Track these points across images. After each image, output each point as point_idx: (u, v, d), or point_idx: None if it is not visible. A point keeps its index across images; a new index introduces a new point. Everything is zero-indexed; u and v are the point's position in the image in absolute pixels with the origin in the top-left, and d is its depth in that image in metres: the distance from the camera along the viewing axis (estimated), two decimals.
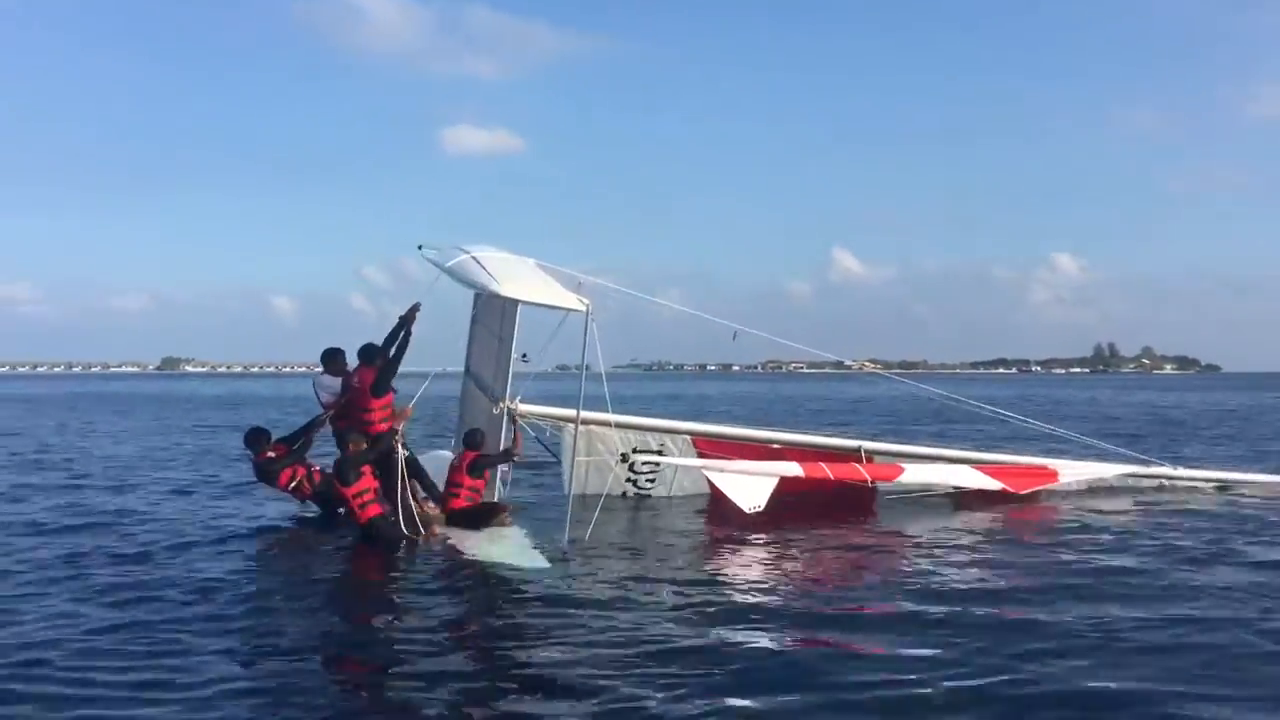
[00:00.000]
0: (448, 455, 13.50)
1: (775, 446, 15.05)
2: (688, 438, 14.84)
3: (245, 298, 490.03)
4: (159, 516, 13.46)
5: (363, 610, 9.03)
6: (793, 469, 13.66)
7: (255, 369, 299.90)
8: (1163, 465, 17.12)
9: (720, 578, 10.04)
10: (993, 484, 14.71)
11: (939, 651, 7.35)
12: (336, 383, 12.53)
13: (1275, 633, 7.94)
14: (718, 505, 13.60)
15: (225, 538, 11.88)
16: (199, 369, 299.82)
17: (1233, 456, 21.66)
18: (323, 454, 13.12)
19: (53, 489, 16.43)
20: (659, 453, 14.59)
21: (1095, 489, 15.82)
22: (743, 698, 6.46)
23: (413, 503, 11.68)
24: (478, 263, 11.95)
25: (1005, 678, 6.81)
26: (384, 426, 11.84)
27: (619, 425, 14.01)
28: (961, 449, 17.11)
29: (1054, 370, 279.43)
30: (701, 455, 14.52)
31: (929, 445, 17.55)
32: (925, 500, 14.83)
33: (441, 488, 12.34)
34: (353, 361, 12.57)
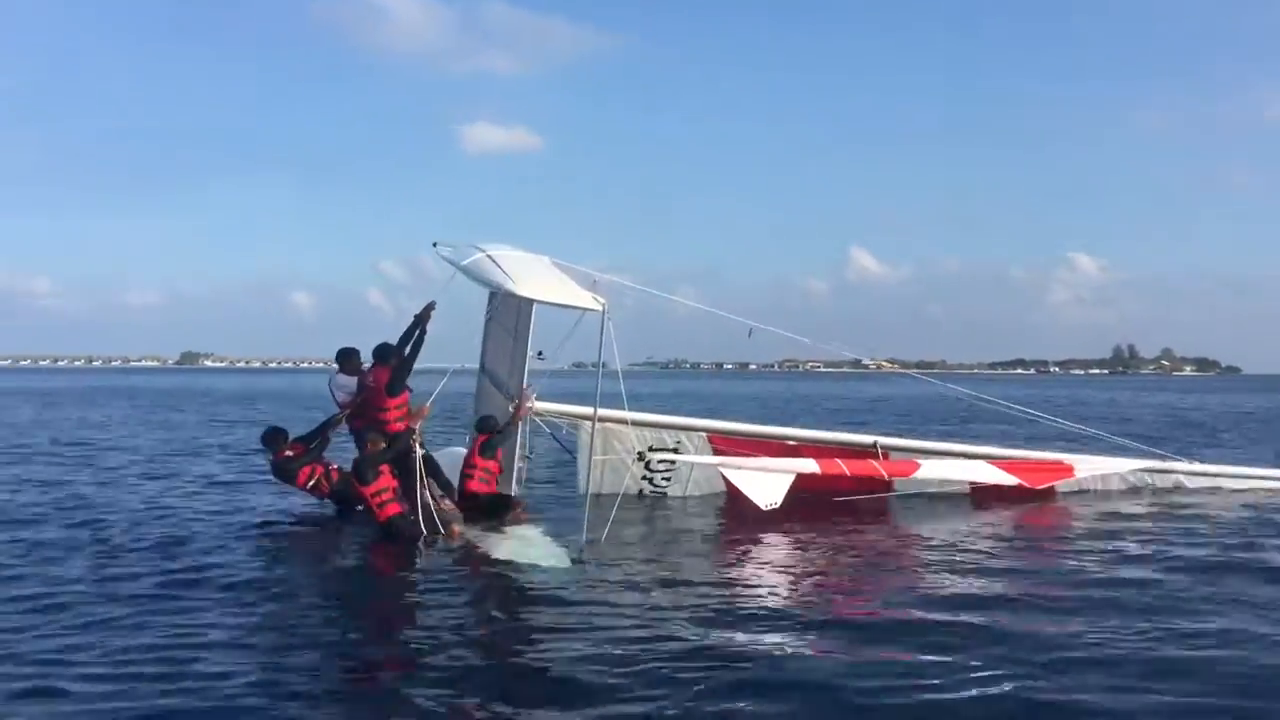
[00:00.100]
0: (462, 451, 13.52)
1: (791, 443, 15.01)
2: (704, 435, 14.81)
3: (263, 293, 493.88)
4: (180, 510, 13.51)
5: (381, 606, 9.12)
6: (809, 465, 13.62)
7: (273, 364, 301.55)
8: (1179, 460, 16.93)
9: (737, 580, 10.02)
10: (1008, 479, 14.61)
11: (954, 658, 7.27)
12: (352, 382, 12.58)
13: None
14: (734, 504, 13.57)
15: (243, 533, 11.96)
16: (217, 364, 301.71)
17: (1254, 460, 21.36)
18: (340, 453, 13.18)
19: (70, 482, 16.54)
20: (675, 450, 14.56)
21: (1113, 490, 15.68)
22: (757, 701, 6.43)
23: (431, 501, 11.71)
24: (493, 261, 11.96)
25: (1020, 688, 6.71)
26: (400, 426, 11.88)
27: (635, 423, 13.99)
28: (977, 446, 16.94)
29: (1072, 371, 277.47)
30: (717, 452, 14.49)
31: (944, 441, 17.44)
32: (942, 502, 14.75)
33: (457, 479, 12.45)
34: (367, 361, 12.61)
